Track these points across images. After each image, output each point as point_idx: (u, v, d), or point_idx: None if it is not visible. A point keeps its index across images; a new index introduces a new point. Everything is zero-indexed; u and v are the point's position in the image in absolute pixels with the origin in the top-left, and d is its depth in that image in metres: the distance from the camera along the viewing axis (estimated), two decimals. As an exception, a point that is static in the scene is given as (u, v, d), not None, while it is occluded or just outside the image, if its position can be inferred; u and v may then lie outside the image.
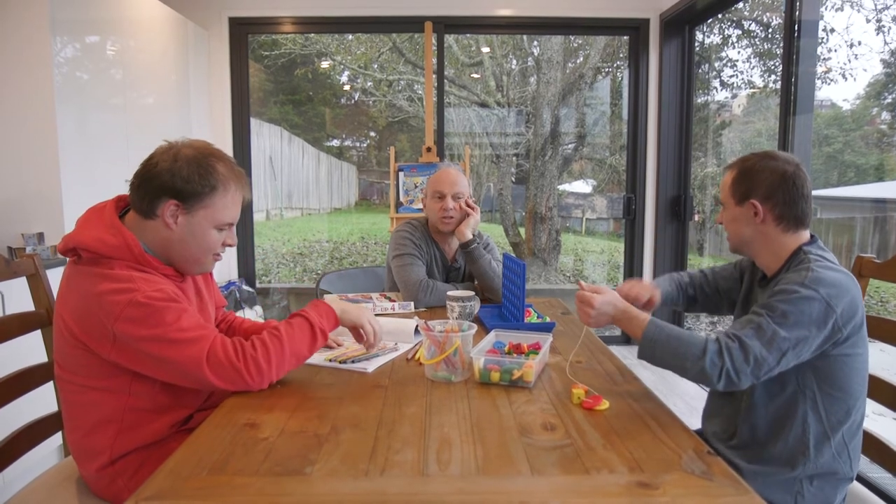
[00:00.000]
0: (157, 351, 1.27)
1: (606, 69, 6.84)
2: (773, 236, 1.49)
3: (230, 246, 1.49)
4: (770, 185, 1.47)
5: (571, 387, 1.34)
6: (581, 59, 6.92)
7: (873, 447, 1.57)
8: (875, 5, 4.56)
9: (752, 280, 1.64)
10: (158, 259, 1.41)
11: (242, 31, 4.56)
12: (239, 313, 4.37)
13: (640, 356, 1.41)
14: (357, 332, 1.57)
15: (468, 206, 2.43)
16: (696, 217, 4.94)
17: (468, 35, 6.60)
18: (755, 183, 1.48)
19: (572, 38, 6.71)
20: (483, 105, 6.92)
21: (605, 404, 1.29)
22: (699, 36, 4.75)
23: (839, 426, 1.42)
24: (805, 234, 1.50)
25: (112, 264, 1.33)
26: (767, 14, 5.57)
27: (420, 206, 4.20)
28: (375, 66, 7.10)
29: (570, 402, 1.30)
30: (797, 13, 3.20)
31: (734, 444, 1.54)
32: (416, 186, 4.32)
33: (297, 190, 7.26)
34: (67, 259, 1.40)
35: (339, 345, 1.75)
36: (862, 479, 1.65)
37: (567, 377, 1.48)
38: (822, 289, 1.32)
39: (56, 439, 1.69)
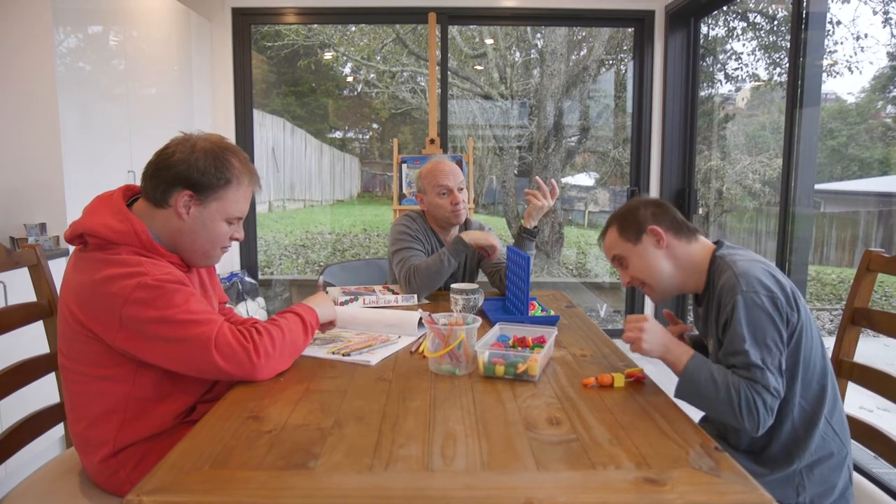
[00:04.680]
0: (165, 333, 1.27)
1: (610, 61, 6.80)
2: (682, 251, 1.54)
3: (237, 240, 1.50)
4: (652, 213, 1.55)
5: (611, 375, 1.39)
6: (585, 51, 6.88)
7: (878, 441, 1.56)
8: (882, -3, 4.52)
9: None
10: (165, 248, 1.41)
11: (245, 22, 4.53)
12: (241, 305, 4.37)
13: (680, 391, 1.42)
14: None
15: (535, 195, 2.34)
16: (700, 210, 4.92)
17: (472, 26, 6.56)
18: (638, 217, 1.56)
19: (576, 29, 6.67)
20: (486, 97, 6.89)
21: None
22: (704, 28, 4.72)
23: (820, 407, 1.42)
24: (706, 241, 1.55)
25: (119, 250, 1.33)
26: (773, 6, 5.53)
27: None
28: (378, 57, 7.07)
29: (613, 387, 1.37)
30: (804, 4, 3.18)
31: (733, 445, 1.54)
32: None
33: (300, 181, 7.24)
34: (72, 249, 1.40)
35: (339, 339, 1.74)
36: (867, 475, 1.64)
37: (572, 371, 1.47)
38: (756, 285, 1.36)
39: (58, 430, 1.69)
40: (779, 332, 1.34)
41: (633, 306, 4.89)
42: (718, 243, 1.54)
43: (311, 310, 1.55)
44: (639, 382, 1.39)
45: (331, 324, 1.68)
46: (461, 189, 2.41)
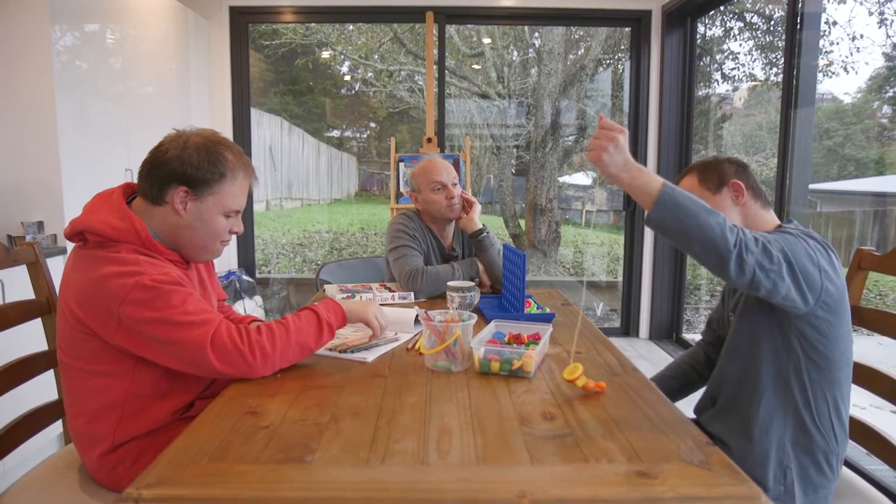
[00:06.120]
0: (161, 334, 1.27)
1: (608, 61, 6.82)
2: (755, 214, 1.55)
3: (237, 233, 1.51)
4: (736, 170, 1.57)
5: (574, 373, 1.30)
6: (582, 50, 6.90)
7: (870, 438, 1.57)
8: (878, -2, 4.55)
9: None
10: (165, 245, 1.42)
11: (243, 21, 4.54)
12: (238, 303, 4.38)
13: (661, 207, 1.24)
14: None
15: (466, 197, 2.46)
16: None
17: (469, 25, 6.57)
18: (722, 170, 1.57)
19: (574, 29, 6.69)
20: (484, 96, 6.90)
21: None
22: (701, 28, 4.73)
23: (822, 396, 1.43)
24: (775, 217, 1.57)
25: (119, 248, 1.34)
26: (770, 6, 5.55)
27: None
28: (376, 56, 7.08)
29: (574, 385, 1.29)
30: (800, 5, 3.19)
31: (718, 408, 1.55)
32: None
33: (297, 180, 7.25)
34: (70, 246, 1.41)
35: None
36: (858, 471, 1.66)
37: (567, 368, 1.48)
38: (809, 240, 1.36)
39: (56, 427, 1.70)
40: (797, 261, 1.29)
41: (630, 304, 4.91)
42: (789, 220, 1.55)
43: (335, 306, 1.50)
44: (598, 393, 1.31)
45: (369, 325, 1.58)
46: (455, 184, 2.43)
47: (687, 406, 1.77)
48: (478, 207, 2.47)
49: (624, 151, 1.29)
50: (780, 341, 1.43)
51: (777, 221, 1.56)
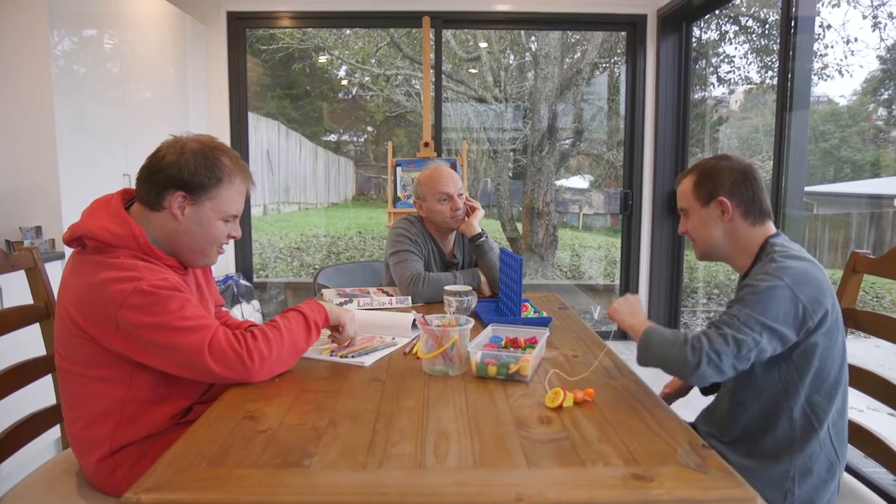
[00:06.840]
0: (159, 338, 1.28)
1: (604, 65, 6.84)
2: (742, 232, 1.54)
3: (235, 238, 1.51)
4: (733, 182, 1.53)
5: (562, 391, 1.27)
6: (579, 54, 6.92)
7: (867, 442, 1.58)
8: (872, 1, 4.57)
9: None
10: (163, 250, 1.43)
11: (240, 26, 4.55)
12: (236, 308, 4.38)
13: (639, 348, 1.47)
14: (336, 329, 1.61)
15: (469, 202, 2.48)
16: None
17: (466, 30, 6.59)
18: (718, 182, 1.54)
19: (570, 33, 6.70)
20: (480, 100, 6.91)
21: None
22: (696, 32, 4.75)
23: (825, 416, 1.43)
24: (771, 226, 1.55)
25: (117, 253, 1.34)
26: (765, 10, 5.57)
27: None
28: (373, 60, 7.09)
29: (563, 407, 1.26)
30: (794, 9, 3.21)
31: (725, 440, 1.56)
32: (413, 181, 4.32)
33: (295, 184, 7.25)
34: (68, 251, 1.42)
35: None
36: (856, 474, 1.67)
37: (563, 372, 1.48)
38: (786, 277, 1.36)
39: (54, 432, 1.70)
40: (779, 320, 1.34)
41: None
42: (777, 233, 1.54)
43: (318, 306, 1.53)
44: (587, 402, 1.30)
45: (340, 328, 1.61)
46: (461, 194, 2.45)
47: (681, 409, 1.78)
48: (480, 212, 2.48)
49: (633, 305, 1.62)
50: (779, 378, 1.44)
51: (766, 234, 1.52)
